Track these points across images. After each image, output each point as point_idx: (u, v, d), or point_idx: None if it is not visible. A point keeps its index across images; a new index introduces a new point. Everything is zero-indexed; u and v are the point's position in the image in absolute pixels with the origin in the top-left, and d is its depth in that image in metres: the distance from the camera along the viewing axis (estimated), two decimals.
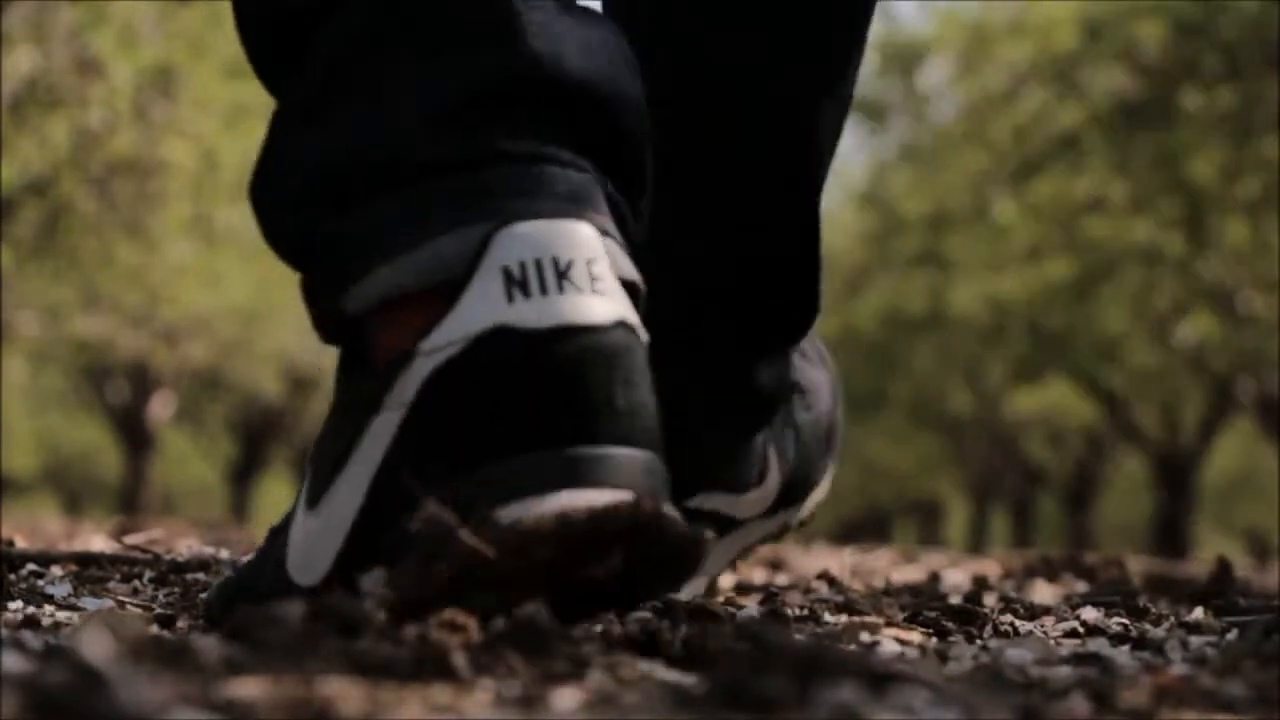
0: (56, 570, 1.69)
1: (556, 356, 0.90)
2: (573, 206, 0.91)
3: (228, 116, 7.58)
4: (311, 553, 1.01)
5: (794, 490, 1.37)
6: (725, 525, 1.31)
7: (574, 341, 0.90)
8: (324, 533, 0.99)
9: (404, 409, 0.91)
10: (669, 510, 0.90)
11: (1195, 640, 1.36)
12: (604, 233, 0.92)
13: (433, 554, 0.90)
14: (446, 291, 0.90)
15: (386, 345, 0.91)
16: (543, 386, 0.90)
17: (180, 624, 1.24)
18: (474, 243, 0.89)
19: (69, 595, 1.52)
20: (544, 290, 0.90)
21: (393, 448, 0.92)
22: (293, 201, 0.99)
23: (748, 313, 1.24)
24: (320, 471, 0.98)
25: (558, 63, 0.95)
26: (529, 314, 0.89)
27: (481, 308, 0.89)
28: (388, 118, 0.94)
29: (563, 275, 0.90)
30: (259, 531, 4.15)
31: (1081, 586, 2.28)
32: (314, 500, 1.00)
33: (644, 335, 0.93)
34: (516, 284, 0.90)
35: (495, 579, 0.92)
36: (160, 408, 13.86)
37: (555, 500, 0.89)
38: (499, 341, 0.89)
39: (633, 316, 0.93)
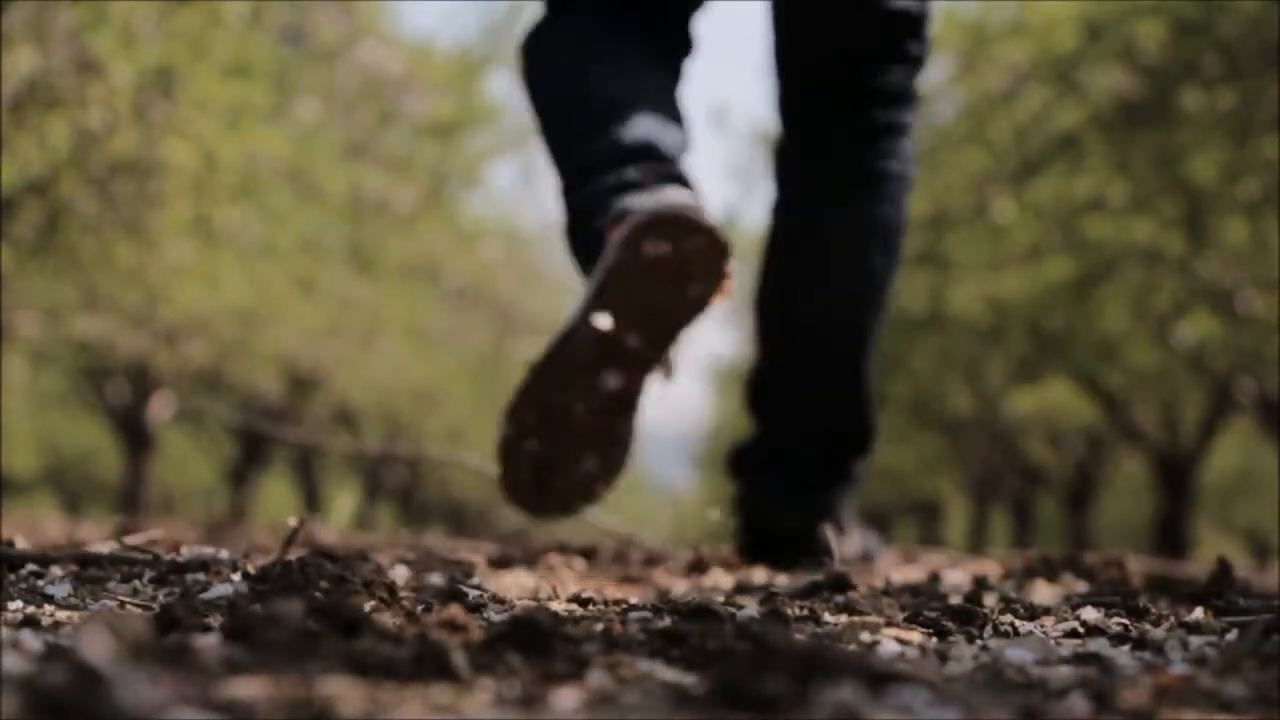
0: (56, 570, 1.69)
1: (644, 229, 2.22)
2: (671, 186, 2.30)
3: (228, 116, 7.57)
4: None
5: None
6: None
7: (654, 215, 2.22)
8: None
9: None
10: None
11: (1195, 640, 1.36)
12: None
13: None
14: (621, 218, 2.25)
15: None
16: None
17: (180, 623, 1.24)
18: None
19: (69, 595, 1.52)
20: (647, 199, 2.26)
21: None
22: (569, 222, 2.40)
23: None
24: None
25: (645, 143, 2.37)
26: (639, 202, 2.21)
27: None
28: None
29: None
30: (259, 531, 4.15)
31: (1081, 586, 2.28)
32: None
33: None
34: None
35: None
36: (160, 408, 13.85)
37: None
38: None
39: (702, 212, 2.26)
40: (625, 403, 2.19)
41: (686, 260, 2.13)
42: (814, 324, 2.61)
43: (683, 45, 2.59)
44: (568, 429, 2.17)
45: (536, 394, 2.16)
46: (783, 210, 2.66)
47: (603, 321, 2.13)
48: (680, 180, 2.29)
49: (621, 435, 2.21)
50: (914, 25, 2.57)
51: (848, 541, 2.62)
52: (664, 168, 2.29)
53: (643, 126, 2.33)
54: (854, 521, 2.73)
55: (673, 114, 2.42)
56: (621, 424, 2.20)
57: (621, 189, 2.25)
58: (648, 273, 2.13)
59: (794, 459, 2.61)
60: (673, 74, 2.56)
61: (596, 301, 2.14)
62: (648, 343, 2.16)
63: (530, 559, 2.60)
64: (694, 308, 2.17)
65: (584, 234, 2.29)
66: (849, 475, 2.67)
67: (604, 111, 2.36)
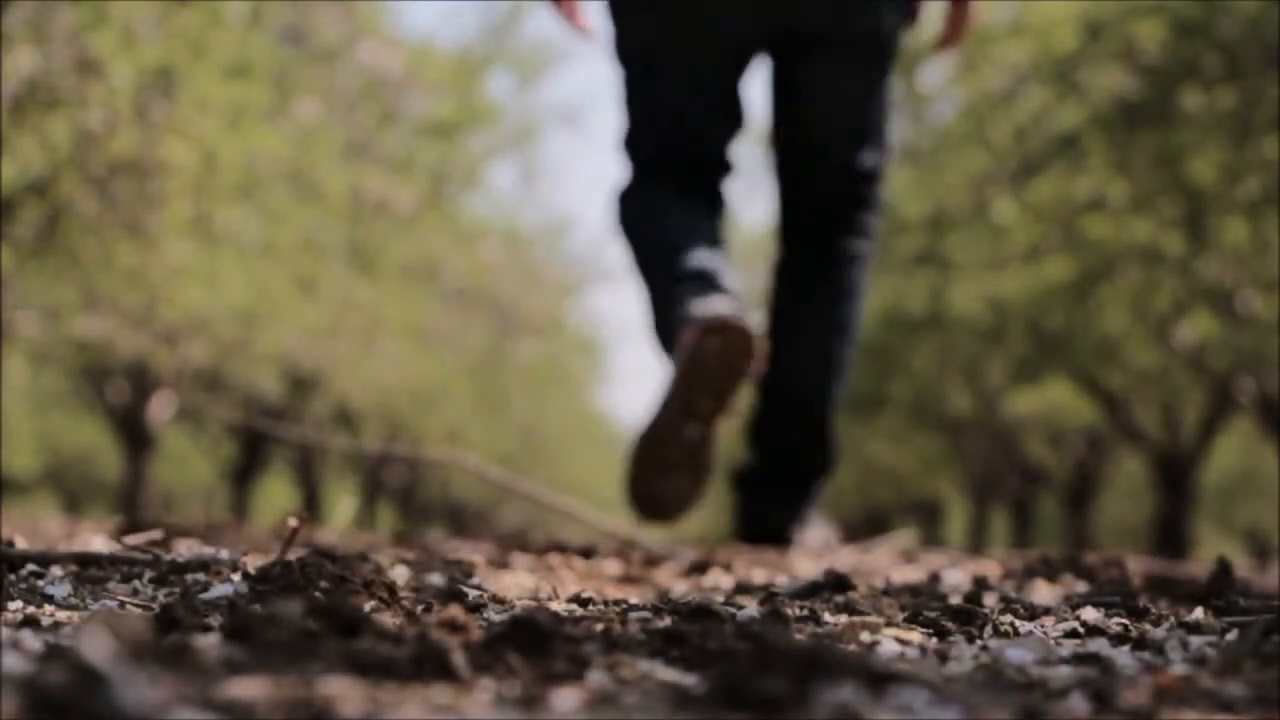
0: (56, 570, 1.69)
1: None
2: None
3: (228, 116, 7.56)
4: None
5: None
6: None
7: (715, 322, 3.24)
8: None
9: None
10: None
11: (1195, 640, 1.36)
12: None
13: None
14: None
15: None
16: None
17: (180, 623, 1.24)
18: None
19: (69, 595, 1.52)
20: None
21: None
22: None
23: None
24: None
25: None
26: (699, 308, 3.29)
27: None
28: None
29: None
30: (259, 532, 4.14)
31: (1081, 586, 2.28)
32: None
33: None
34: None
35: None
36: (160, 408, 13.85)
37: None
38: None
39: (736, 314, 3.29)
40: (704, 443, 3.34)
41: (732, 348, 3.23)
42: (791, 390, 3.70)
43: (720, 198, 3.74)
44: (667, 464, 3.36)
45: (645, 447, 3.34)
46: (773, 309, 3.74)
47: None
48: (725, 292, 3.38)
49: (703, 463, 3.38)
50: (874, 179, 3.67)
51: (812, 534, 3.66)
52: (715, 284, 3.40)
53: (701, 260, 3.46)
54: (819, 520, 3.77)
55: (720, 250, 3.58)
56: (702, 456, 3.36)
57: (687, 297, 3.34)
58: (710, 359, 3.24)
59: (777, 482, 3.74)
60: (719, 217, 3.69)
61: (681, 382, 3.25)
62: (714, 403, 3.28)
63: (531, 558, 2.60)
64: (740, 376, 3.27)
65: (664, 326, 3.43)
66: (815, 491, 3.77)
67: (676, 253, 3.50)
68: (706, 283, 3.40)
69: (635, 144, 3.72)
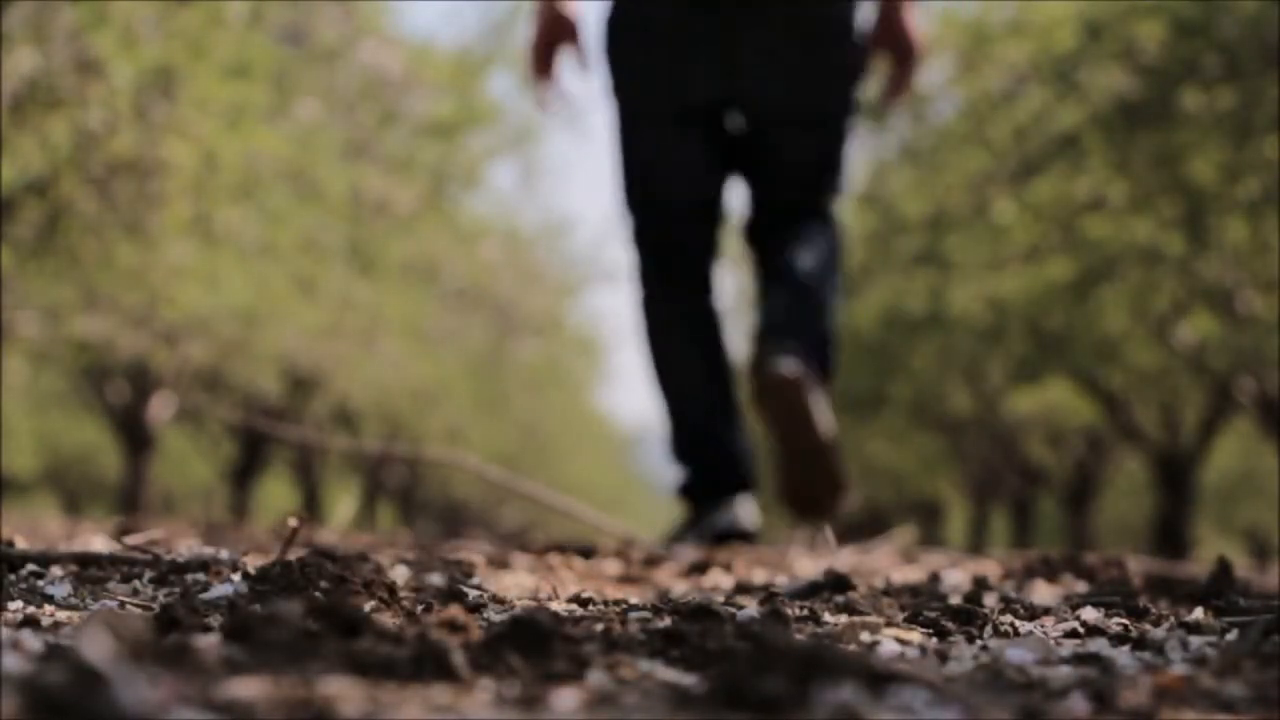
0: (56, 570, 1.69)
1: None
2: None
3: (228, 117, 7.56)
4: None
5: None
6: None
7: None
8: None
9: None
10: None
11: (1195, 640, 1.36)
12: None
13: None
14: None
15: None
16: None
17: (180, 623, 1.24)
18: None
19: (69, 595, 1.52)
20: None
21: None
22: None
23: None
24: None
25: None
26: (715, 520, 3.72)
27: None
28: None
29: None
30: (259, 532, 4.14)
31: (1081, 586, 2.28)
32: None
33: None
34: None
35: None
36: (160, 408, 13.85)
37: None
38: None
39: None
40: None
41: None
42: (789, 273, 3.75)
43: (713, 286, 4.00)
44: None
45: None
46: (756, 262, 3.92)
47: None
48: (744, 486, 3.75)
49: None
50: (828, 175, 3.85)
51: (823, 408, 3.60)
52: (735, 481, 3.74)
53: (728, 442, 3.78)
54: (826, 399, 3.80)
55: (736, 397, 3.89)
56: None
57: (707, 497, 3.72)
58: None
59: (785, 328, 3.67)
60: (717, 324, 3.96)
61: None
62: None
63: (531, 558, 2.60)
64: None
65: (685, 489, 3.81)
66: (820, 347, 3.68)
67: (701, 425, 3.82)
68: (725, 481, 3.74)
69: (633, 228, 3.92)
